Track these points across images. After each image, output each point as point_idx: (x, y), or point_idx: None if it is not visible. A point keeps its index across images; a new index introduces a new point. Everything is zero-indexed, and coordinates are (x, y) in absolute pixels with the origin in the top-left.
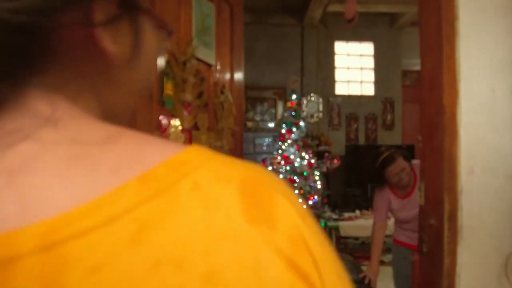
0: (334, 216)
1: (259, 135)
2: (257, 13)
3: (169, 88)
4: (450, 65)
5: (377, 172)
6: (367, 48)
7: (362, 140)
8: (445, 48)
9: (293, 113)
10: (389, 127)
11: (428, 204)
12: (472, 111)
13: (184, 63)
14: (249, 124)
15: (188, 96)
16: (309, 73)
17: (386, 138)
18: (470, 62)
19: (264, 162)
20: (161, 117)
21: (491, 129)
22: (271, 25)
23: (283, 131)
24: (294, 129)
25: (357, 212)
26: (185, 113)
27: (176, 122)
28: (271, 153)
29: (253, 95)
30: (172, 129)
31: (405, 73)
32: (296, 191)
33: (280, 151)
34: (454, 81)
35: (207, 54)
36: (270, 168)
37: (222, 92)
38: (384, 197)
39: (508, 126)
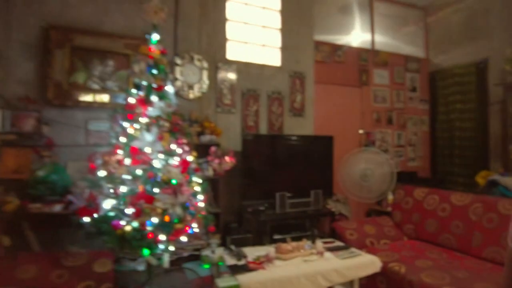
0: (231, 260)
1: (97, 115)
2: None
3: None
4: None
5: None
6: None
7: (264, 129)
8: None
9: (154, 70)
10: (299, 112)
11: None
12: None
13: None
14: (79, 95)
15: None
16: (188, 23)
17: (295, 127)
18: None
19: (91, 162)
20: None
21: None
22: None
23: (133, 100)
24: (153, 99)
25: (270, 248)
26: None
27: None
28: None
29: (87, 45)
30: None
31: (317, 45)
32: (155, 220)
33: (124, 140)
34: None
35: None
36: (103, 172)
37: None
38: None
39: None
